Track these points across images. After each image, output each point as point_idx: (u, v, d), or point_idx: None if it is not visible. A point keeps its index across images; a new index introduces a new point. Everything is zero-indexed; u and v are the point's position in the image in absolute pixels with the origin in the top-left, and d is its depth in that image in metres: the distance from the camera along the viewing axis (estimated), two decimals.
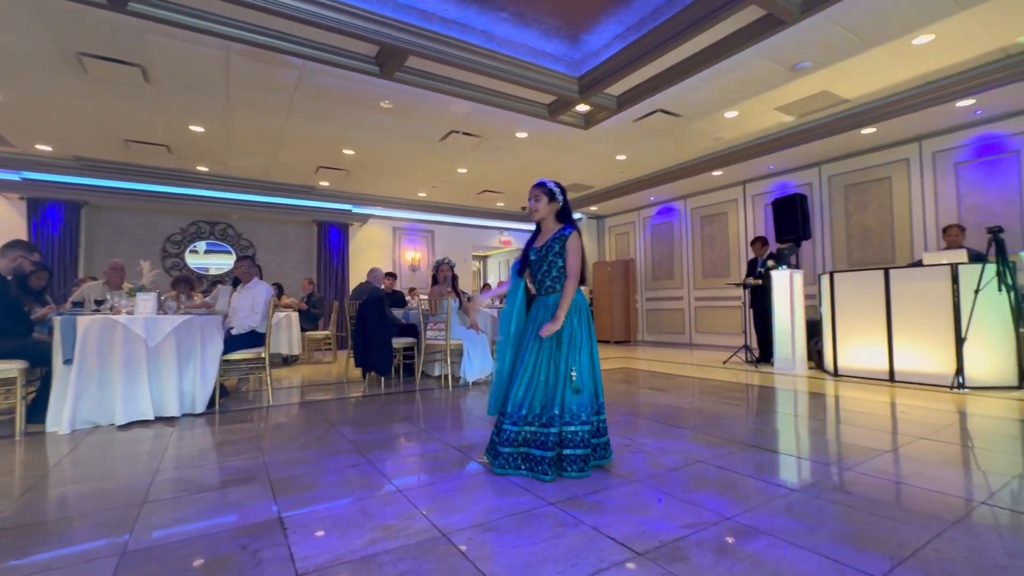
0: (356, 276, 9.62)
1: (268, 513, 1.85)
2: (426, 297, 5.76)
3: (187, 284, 5.15)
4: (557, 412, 2.19)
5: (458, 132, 6.26)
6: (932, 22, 3.98)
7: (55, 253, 7.38)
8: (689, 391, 4.47)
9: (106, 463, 2.57)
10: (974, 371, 4.26)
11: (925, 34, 4.15)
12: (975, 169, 5.82)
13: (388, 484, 2.16)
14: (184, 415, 3.61)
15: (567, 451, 2.19)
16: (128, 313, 3.57)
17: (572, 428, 2.20)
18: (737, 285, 6.83)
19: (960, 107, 5.28)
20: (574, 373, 2.21)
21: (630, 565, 1.43)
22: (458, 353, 4.97)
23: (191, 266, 8.76)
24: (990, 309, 4.19)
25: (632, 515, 1.79)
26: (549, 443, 2.17)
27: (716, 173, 7.77)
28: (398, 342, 5.16)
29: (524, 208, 10.99)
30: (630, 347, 9.23)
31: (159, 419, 3.47)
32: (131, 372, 3.37)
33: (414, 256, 10.81)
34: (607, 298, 10.03)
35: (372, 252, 10.31)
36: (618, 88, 5.28)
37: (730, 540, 1.58)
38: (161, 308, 3.85)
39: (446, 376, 4.97)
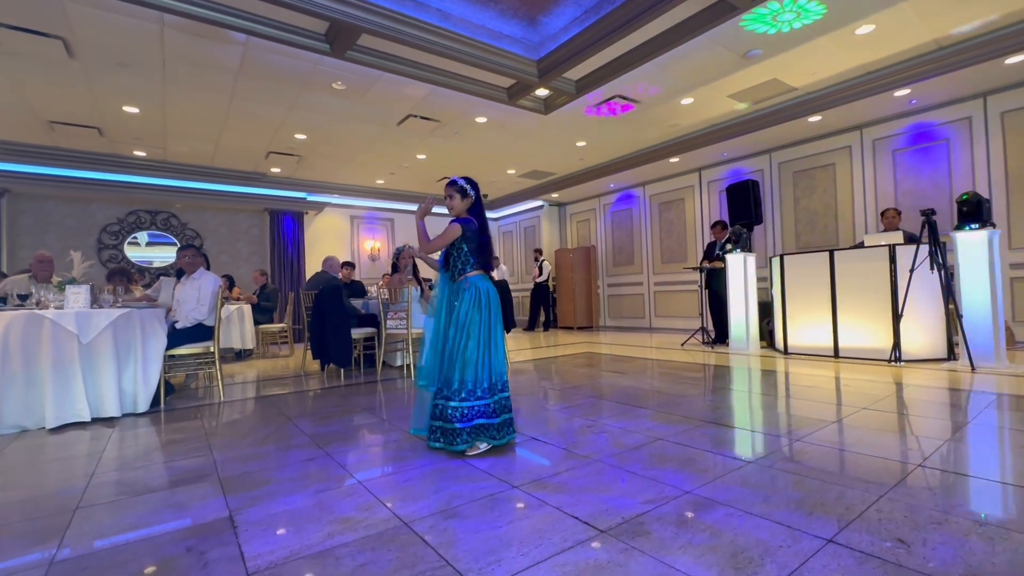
0: (312, 266, 9.30)
1: (217, 512, 1.75)
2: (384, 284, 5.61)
3: (124, 276, 4.81)
4: (456, 386, 2.33)
5: (416, 116, 6.09)
6: (874, 11, 4.15)
7: None
8: (649, 373, 4.57)
9: (34, 469, 2.37)
10: (909, 345, 4.55)
11: (867, 24, 4.33)
12: (910, 156, 6.17)
13: (348, 476, 2.09)
14: (125, 415, 3.38)
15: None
16: (57, 308, 3.30)
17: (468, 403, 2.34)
18: (695, 269, 7.02)
19: (897, 96, 5.57)
20: None
21: (594, 543, 1.44)
22: (419, 342, 4.88)
23: (132, 259, 8.22)
24: (923, 287, 4.47)
25: (595, 494, 1.80)
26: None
27: (673, 160, 7.92)
28: (358, 332, 5.03)
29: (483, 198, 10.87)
30: (592, 332, 9.37)
31: (97, 420, 3.24)
32: (62, 371, 3.12)
33: (373, 245, 10.56)
34: (569, 284, 10.12)
35: (329, 241, 9.98)
36: (577, 72, 5.26)
37: (690, 513, 1.61)
38: (96, 302, 3.58)
39: (408, 366, 4.88)
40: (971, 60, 4.77)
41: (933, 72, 5.01)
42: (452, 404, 2.31)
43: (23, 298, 3.56)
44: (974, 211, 4.19)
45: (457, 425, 2.29)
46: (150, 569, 1.38)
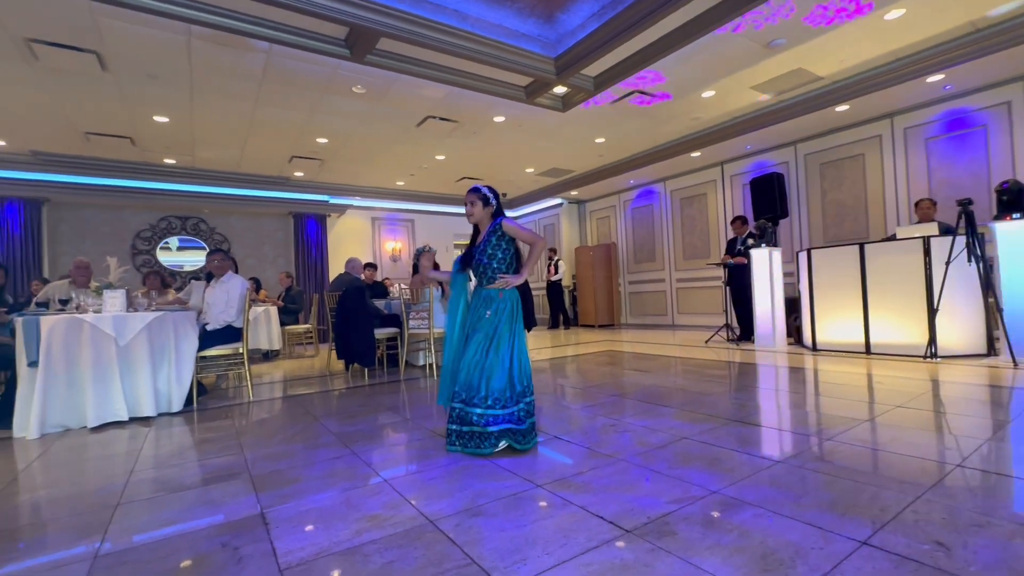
0: (335, 268, 9.46)
1: (250, 509, 1.80)
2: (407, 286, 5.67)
3: (158, 279, 4.97)
4: (483, 393, 2.32)
5: (434, 117, 6.14)
6: None
7: (16, 254, 7.08)
8: (673, 371, 4.52)
9: (78, 466, 2.47)
10: (946, 340, 4.38)
11: (896, 8, 4.18)
12: (945, 144, 5.94)
13: (374, 475, 2.12)
14: (160, 414, 3.51)
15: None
16: (96, 312, 3.43)
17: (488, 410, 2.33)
18: (718, 265, 6.90)
19: (930, 82, 5.36)
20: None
21: (619, 543, 1.43)
22: (442, 342, 4.92)
23: (164, 263, 8.50)
24: (960, 280, 4.30)
25: (620, 493, 1.79)
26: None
27: (695, 154, 7.79)
28: (381, 332, 5.09)
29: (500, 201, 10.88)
30: (614, 330, 9.29)
31: (134, 419, 3.36)
32: (101, 372, 3.25)
33: (395, 246, 10.68)
34: (590, 283, 10.06)
35: (351, 243, 10.14)
36: (595, 69, 5.22)
37: (717, 513, 1.59)
38: (131, 305, 3.71)
39: (431, 365, 4.93)
40: (1010, 42, 4.55)
41: (969, 56, 4.81)
42: (477, 411, 2.30)
43: (64, 303, 3.71)
44: (1015, 199, 4.01)
45: (489, 429, 2.28)
46: (187, 563, 1.43)
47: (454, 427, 2.36)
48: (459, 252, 2.50)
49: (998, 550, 1.29)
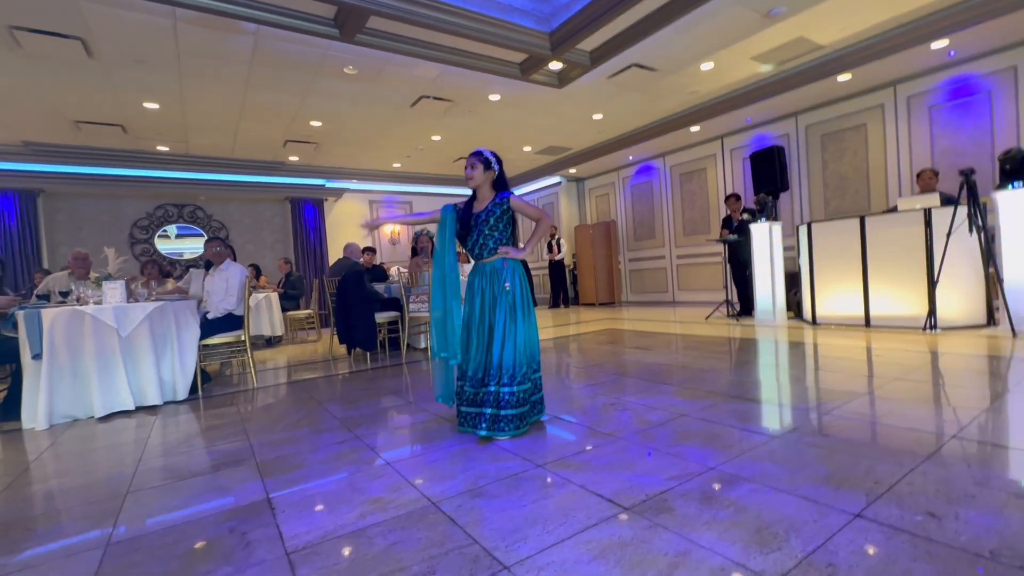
0: (335, 252, 9.45)
1: (256, 495, 1.83)
2: (406, 269, 5.67)
3: (156, 268, 4.98)
4: (494, 372, 2.30)
5: (428, 97, 6.03)
6: None
7: (14, 246, 7.08)
8: (673, 348, 4.54)
9: (87, 456, 2.52)
10: (946, 312, 4.39)
11: None
12: (948, 112, 5.83)
13: (377, 458, 2.15)
14: (166, 403, 3.55)
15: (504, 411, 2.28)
16: (96, 303, 3.44)
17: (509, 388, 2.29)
18: (717, 241, 6.87)
19: (934, 49, 5.23)
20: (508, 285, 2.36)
21: (619, 520, 1.46)
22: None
23: (163, 252, 8.49)
24: (961, 251, 4.28)
25: (619, 471, 1.81)
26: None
27: (694, 129, 7.67)
28: (381, 316, 5.11)
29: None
30: (614, 308, 9.31)
31: (140, 408, 3.41)
32: (105, 363, 3.28)
33: (393, 229, 10.63)
34: (589, 261, 10.03)
35: (350, 227, 10.10)
36: (591, 43, 5.10)
37: (715, 487, 1.62)
38: (131, 296, 3.72)
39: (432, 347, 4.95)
40: (1017, 3, 4.43)
41: (975, 19, 4.68)
42: (508, 389, 2.28)
43: (64, 295, 3.73)
44: (1018, 168, 3.96)
45: (511, 412, 2.26)
46: (197, 548, 1.47)
47: (490, 411, 2.26)
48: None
49: (989, 519, 1.32)
